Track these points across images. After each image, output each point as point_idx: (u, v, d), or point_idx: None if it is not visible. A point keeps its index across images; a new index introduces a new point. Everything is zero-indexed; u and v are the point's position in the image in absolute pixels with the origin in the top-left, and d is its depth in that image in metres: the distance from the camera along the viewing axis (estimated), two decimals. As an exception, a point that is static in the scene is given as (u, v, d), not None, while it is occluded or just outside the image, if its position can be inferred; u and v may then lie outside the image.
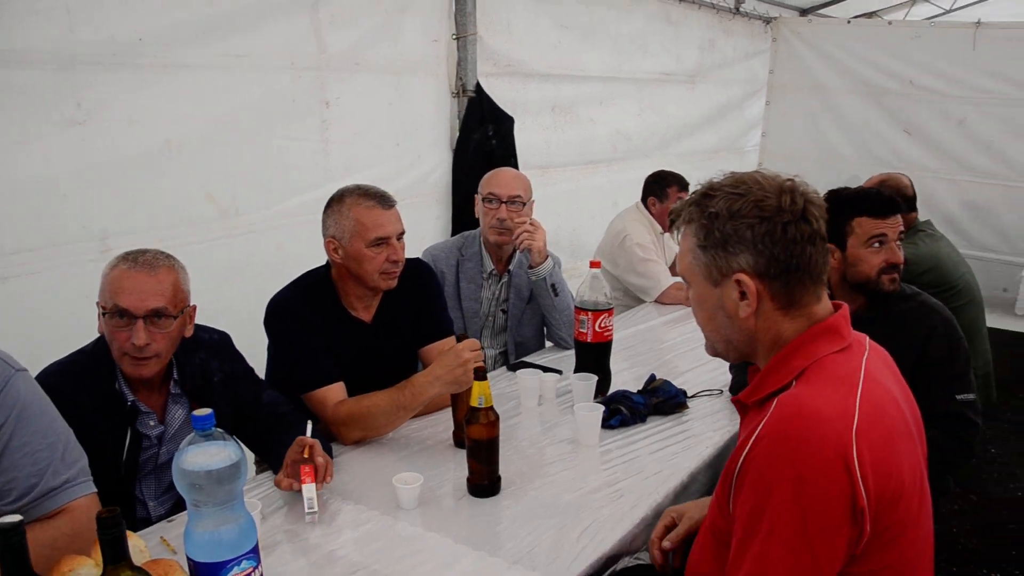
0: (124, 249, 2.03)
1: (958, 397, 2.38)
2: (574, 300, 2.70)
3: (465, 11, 4.02)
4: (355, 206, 2.36)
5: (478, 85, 4.16)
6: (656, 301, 4.06)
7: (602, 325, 2.57)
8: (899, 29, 6.75)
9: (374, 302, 2.51)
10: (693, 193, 1.50)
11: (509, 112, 4.36)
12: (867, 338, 1.53)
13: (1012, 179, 6.32)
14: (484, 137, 4.16)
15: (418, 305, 2.59)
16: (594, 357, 2.61)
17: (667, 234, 4.38)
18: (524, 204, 3.07)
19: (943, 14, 7.90)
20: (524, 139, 4.55)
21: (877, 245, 2.43)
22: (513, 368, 2.92)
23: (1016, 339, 6.49)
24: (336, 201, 2.41)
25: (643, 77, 5.54)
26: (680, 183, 4.31)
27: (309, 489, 1.86)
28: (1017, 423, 5.07)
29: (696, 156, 6.31)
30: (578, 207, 5.09)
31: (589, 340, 2.58)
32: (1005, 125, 6.22)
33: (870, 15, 7.85)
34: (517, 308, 3.19)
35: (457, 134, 4.18)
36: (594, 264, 2.62)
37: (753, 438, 1.32)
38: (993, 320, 6.11)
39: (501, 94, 4.37)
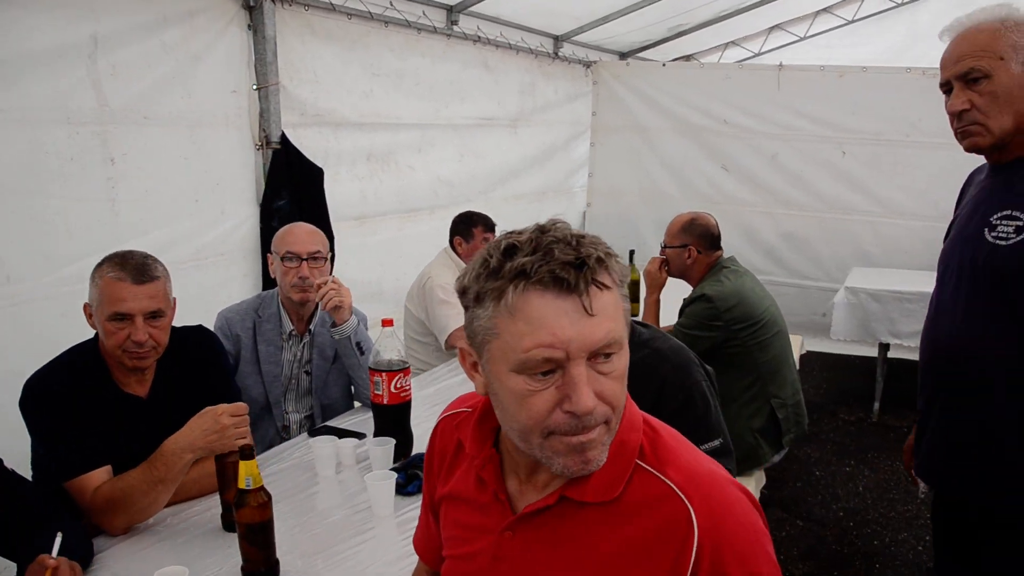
0: None
1: (703, 447, 2.22)
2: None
3: (265, 61, 3.88)
4: (105, 275, 2.17)
5: (283, 136, 4.01)
6: (448, 347, 3.99)
7: (398, 385, 2.45)
8: (711, 71, 7.05)
9: (148, 376, 2.31)
10: (579, 247, 1.14)
11: (321, 163, 4.23)
12: None
13: (822, 210, 6.67)
14: (291, 191, 4.00)
15: (200, 376, 2.39)
16: (393, 419, 2.48)
17: None
18: (324, 260, 2.94)
19: (752, 57, 8.34)
20: (339, 189, 4.42)
21: None
22: (314, 434, 2.77)
23: (835, 361, 6.83)
24: (97, 266, 2.22)
25: (462, 123, 5.51)
26: (486, 223, 4.26)
27: None
28: (838, 443, 5.28)
29: (523, 199, 6.34)
30: (401, 256, 4.98)
31: (386, 402, 2.45)
32: (811, 159, 6.58)
33: (687, 58, 8.19)
34: (321, 369, 3.04)
35: (263, 188, 4.01)
36: (386, 323, 2.50)
37: (696, 536, 1.13)
38: (813, 344, 6.40)
39: (311, 144, 4.24)
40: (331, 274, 3.00)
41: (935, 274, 2.16)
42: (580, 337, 1.10)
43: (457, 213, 4.39)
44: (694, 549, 1.12)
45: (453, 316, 3.94)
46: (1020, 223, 1.86)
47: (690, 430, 2.22)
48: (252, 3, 3.80)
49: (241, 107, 3.88)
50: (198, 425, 2.06)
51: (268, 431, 2.99)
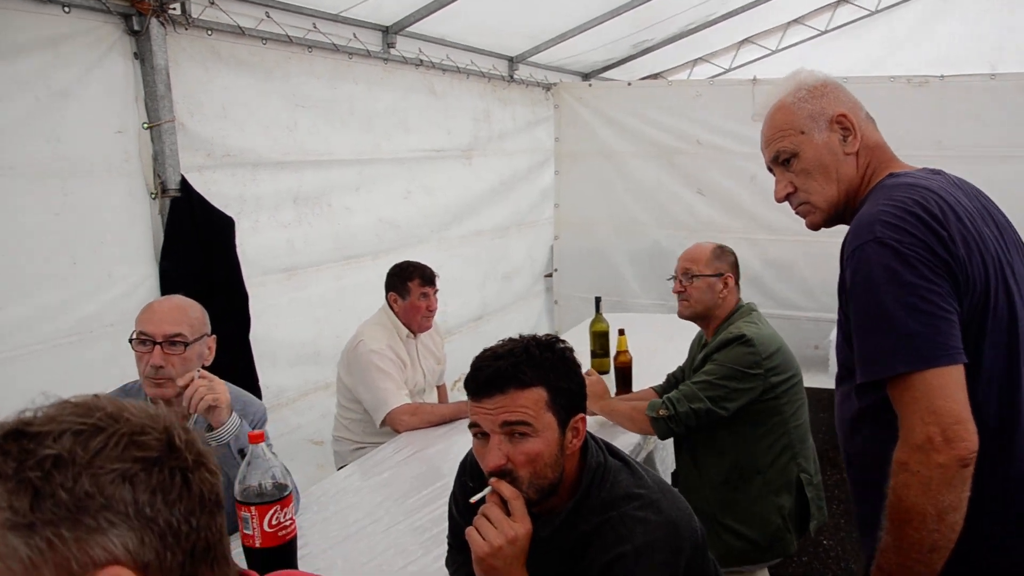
0: None
1: None
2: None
3: (156, 95, 3.27)
4: None
5: (183, 181, 3.41)
6: (384, 426, 3.38)
7: (275, 522, 1.80)
8: (680, 88, 6.53)
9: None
10: None
11: (236, 210, 3.64)
12: None
13: (807, 234, 5.99)
14: (198, 247, 3.39)
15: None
16: (269, 568, 1.86)
17: (421, 335, 3.74)
18: (187, 345, 2.30)
19: (723, 73, 7.82)
20: (259, 240, 3.83)
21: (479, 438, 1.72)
22: None
23: (833, 399, 6.23)
24: None
25: (407, 156, 4.92)
26: (423, 276, 3.61)
27: None
28: (845, 501, 4.66)
29: (483, 236, 5.75)
30: (341, 310, 4.34)
31: (258, 545, 1.80)
32: (794, 179, 6.04)
33: (655, 77, 7.66)
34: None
35: (162, 243, 3.40)
36: (255, 438, 1.85)
37: None
38: (809, 380, 5.81)
39: (223, 189, 3.64)
40: (211, 356, 2.38)
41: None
42: None
43: (407, 256, 3.81)
44: None
45: (392, 390, 3.34)
46: None
47: None
48: (137, 27, 3.21)
49: (129, 150, 3.27)
50: None
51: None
